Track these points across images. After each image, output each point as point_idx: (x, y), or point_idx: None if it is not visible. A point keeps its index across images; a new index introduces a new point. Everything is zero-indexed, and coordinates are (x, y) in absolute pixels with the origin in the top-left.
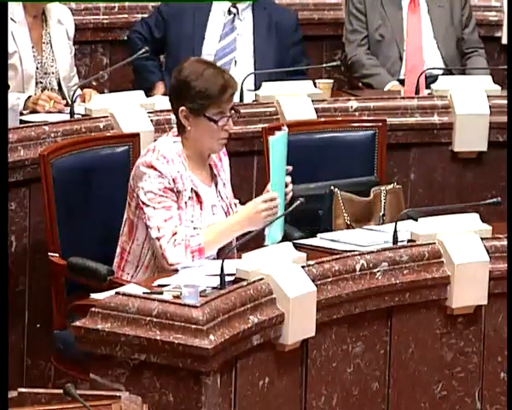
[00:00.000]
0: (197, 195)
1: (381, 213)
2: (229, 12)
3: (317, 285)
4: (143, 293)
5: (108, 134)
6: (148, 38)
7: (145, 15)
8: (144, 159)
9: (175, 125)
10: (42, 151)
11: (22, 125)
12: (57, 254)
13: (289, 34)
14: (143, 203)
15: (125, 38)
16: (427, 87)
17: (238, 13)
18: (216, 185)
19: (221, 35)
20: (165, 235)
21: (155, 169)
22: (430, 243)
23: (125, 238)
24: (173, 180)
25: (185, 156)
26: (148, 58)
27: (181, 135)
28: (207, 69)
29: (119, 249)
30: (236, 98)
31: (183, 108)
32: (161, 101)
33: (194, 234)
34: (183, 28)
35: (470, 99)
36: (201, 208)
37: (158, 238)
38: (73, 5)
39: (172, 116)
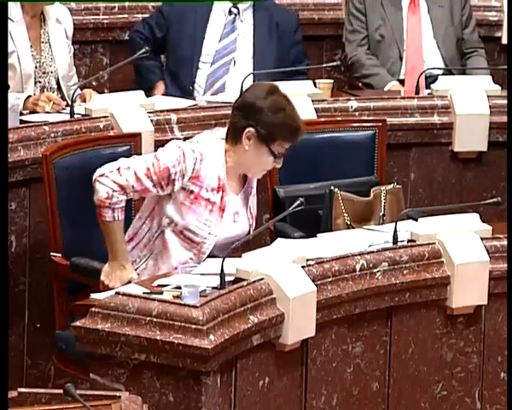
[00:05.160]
0: (221, 200)
1: (381, 213)
2: (230, 12)
3: (317, 285)
4: (143, 293)
5: (111, 134)
6: (150, 38)
7: (145, 15)
8: (180, 142)
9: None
10: (44, 151)
11: (22, 126)
12: (59, 254)
13: (290, 35)
14: (143, 159)
15: (126, 38)
16: (427, 87)
17: (239, 13)
18: (245, 194)
19: (221, 35)
20: (121, 173)
21: (183, 155)
22: (430, 243)
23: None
24: (192, 177)
25: (224, 161)
26: (148, 58)
27: (229, 144)
28: (289, 106)
29: None
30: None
31: (251, 129)
32: (161, 101)
33: (117, 209)
34: (185, 29)
35: (470, 99)
36: (222, 216)
37: (118, 168)
38: (73, 5)
39: (173, 116)
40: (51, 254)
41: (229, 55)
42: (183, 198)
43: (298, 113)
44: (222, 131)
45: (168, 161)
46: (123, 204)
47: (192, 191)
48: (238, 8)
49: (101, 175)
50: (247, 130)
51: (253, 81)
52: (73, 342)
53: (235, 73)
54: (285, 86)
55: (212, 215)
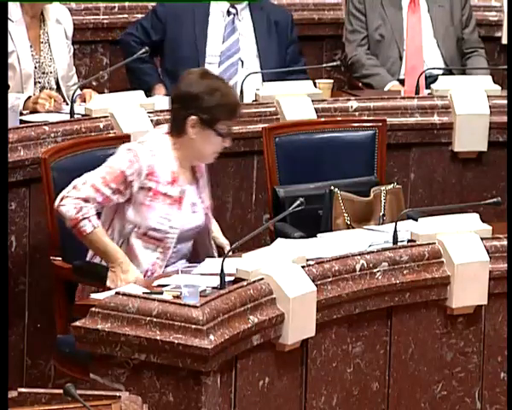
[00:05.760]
0: (178, 193)
1: (381, 213)
2: (229, 13)
3: (317, 285)
4: (143, 293)
5: (111, 135)
6: (145, 41)
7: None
8: (129, 144)
9: (164, 125)
10: (43, 154)
11: (22, 126)
12: (60, 258)
13: (287, 33)
14: (96, 171)
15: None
16: (427, 87)
17: (237, 13)
18: (197, 184)
19: (224, 36)
20: (79, 188)
21: (135, 155)
22: (430, 243)
23: None
24: (148, 174)
25: (173, 155)
26: (144, 60)
27: (174, 137)
28: (223, 85)
29: None
30: None
31: (193, 117)
32: (161, 101)
33: (92, 217)
34: (184, 30)
35: (470, 99)
36: (180, 208)
37: (74, 186)
38: (73, 5)
39: None
40: (51, 258)
41: (234, 55)
42: (143, 198)
43: (232, 90)
44: (164, 127)
45: (122, 165)
46: (94, 212)
47: (150, 188)
48: (236, 9)
49: (62, 199)
50: (190, 119)
51: (262, 81)
52: (74, 344)
53: (245, 74)
54: (285, 86)
55: (170, 209)
